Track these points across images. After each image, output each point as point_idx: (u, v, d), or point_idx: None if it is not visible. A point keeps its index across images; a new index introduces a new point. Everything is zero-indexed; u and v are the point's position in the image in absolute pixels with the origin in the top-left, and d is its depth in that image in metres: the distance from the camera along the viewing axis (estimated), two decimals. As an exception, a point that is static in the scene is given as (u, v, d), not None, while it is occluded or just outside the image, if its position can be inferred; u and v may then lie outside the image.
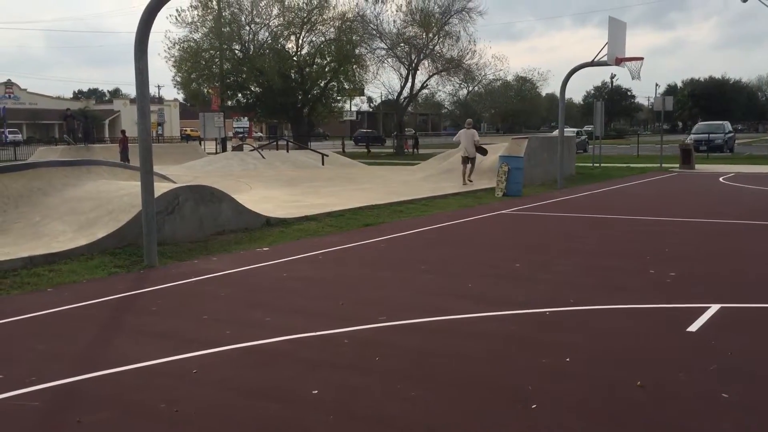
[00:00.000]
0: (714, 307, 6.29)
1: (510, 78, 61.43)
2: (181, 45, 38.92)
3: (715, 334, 5.58)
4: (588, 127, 47.34)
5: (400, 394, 4.40)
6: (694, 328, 5.72)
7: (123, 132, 31.36)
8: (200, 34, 38.97)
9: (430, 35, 41.32)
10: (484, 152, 20.01)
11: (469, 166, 19.60)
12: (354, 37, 40.30)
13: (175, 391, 4.49)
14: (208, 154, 33.24)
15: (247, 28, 39.62)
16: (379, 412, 4.16)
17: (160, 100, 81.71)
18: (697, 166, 26.80)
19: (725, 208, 14.23)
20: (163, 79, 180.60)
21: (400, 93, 44.12)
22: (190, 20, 38.37)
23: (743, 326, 5.85)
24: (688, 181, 21.39)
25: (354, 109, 61.55)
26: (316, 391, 4.45)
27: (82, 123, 33.08)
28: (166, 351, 5.27)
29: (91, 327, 6.05)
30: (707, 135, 37.53)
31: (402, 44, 41.65)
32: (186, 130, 72.14)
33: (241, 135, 41.87)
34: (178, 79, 40.69)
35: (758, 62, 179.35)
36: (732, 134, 41.49)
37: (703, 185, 19.74)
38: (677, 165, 26.82)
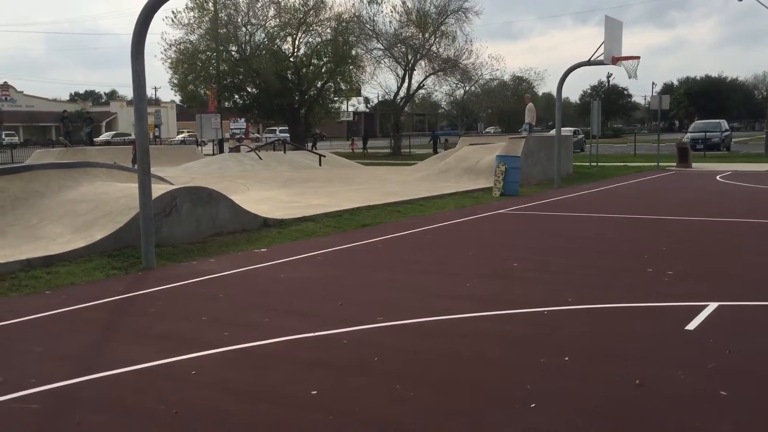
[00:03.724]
0: (712, 306, 6.30)
1: (507, 78, 61.47)
2: (178, 47, 38.91)
3: (713, 332, 5.59)
4: (547, 127, 47.28)
5: (399, 395, 4.40)
6: (692, 326, 5.73)
7: None
8: (197, 35, 38.97)
9: (427, 35, 41.35)
10: (530, 128, 22.97)
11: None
12: (350, 38, 40.31)
13: (174, 393, 4.49)
14: (205, 155, 33.21)
15: (244, 29, 39.59)
16: (378, 412, 4.16)
17: (156, 101, 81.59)
18: (694, 164, 26.82)
19: (722, 207, 14.25)
20: (160, 81, 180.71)
21: (396, 93, 44.16)
22: (186, 22, 38.37)
23: (741, 324, 5.86)
24: (685, 179, 21.41)
25: (351, 109, 61.52)
26: (315, 392, 4.45)
27: (87, 126, 32.75)
28: (164, 352, 5.27)
29: (89, 329, 6.05)
30: (704, 133, 37.61)
31: (398, 44, 41.68)
32: (183, 132, 71.97)
33: (238, 136, 41.76)
34: (175, 81, 40.65)
35: (756, 60, 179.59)
36: (729, 132, 41.57)
37: (699, 184, 19.76)
38: (674, 164, 26.86)
